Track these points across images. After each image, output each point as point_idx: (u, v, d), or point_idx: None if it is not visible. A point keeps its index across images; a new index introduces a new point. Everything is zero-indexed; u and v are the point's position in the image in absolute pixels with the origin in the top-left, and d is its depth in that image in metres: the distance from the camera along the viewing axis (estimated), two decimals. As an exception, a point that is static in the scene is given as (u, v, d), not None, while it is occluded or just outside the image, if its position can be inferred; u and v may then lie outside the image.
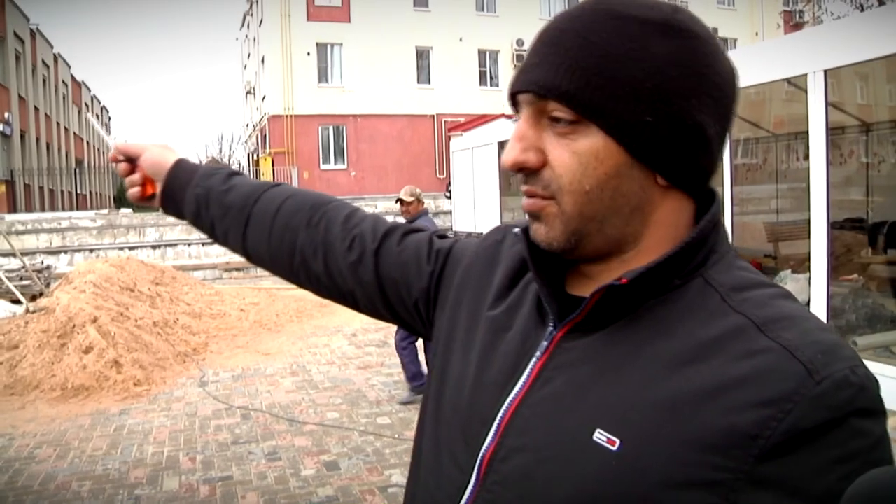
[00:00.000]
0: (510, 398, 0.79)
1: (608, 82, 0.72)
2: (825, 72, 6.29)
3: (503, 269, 0.92)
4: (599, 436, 0.71)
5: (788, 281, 7.78)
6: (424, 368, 6.26)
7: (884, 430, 0.67)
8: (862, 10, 22.49)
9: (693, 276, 0.75)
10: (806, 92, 6.48)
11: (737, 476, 0.64)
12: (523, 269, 0.90)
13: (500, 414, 0.79)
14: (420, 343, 6.30)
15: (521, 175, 0.78)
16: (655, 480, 0.67)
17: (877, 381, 0.68)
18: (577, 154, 0.73)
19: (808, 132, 6.63)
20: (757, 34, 33.93)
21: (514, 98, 0.79)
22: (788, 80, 7.55)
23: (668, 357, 0.71)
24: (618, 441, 0.69)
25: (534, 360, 0.80)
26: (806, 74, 6.43)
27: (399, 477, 4.55)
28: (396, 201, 6.59)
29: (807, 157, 12.66)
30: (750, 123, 10.58)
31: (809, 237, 8.17)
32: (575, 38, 0.74)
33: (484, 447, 0.79)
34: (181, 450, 5.16)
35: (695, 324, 0.72)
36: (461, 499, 0.80)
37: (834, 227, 7.15)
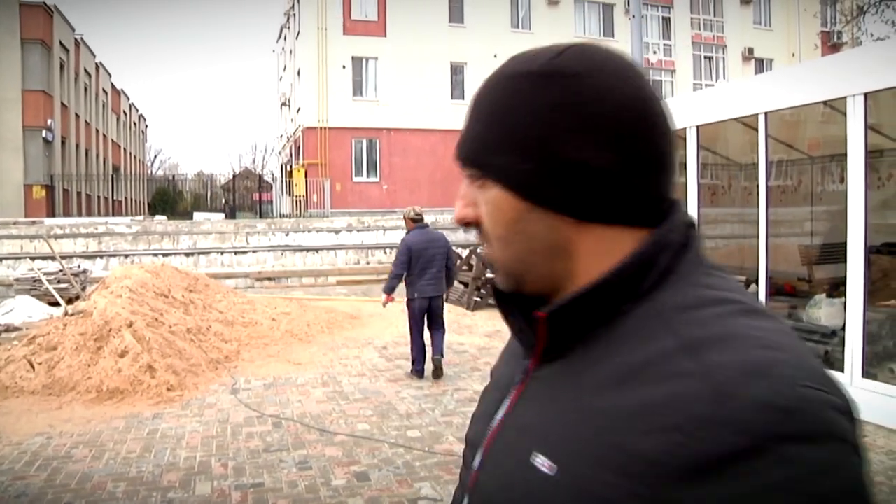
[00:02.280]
0: (492, 426, 0.85)
1: (497, 139, 0.79)
2: (865, 95, 6.23)
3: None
4: (539, 460, 0.73)
5: (823, 305, 7.68)
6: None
7: (837, 459, 0.61)
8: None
9: (643, 300, 0.75)
10: (844, 114, 6.42)
11: (647, 500, 0.63)
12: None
13: (483, 441, 0.85)
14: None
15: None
16: (586, 500, 0.68)
17: (832, 402, 0.63)
18: (488, 205, 0.81)
19: (845, 154, 6.58)
20: (794, 55, 33.62)
21: None
22: (825, 103, 7.50)
23: (601, 382, 0.72)
24: (555, 466, 0.71)
25: (513, 389, 0.85)
26: (845, 97, 6.38)
27: (428, 489, 4.57)
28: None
29: (843, 179, 12.54)
30: (785, 145, 10.49)
31: (845, 261, 8.08)
32: (476, 106, 0.83)
33: (473, 472, 0.85)
34: (213, 455, 5.23)
35: (632, 347, 0.72)
36: None
37: (871, 251, 7.05)
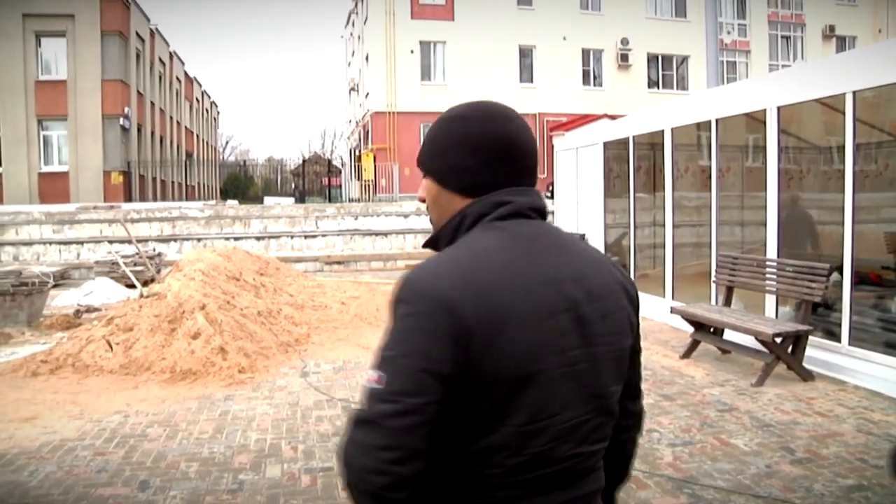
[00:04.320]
0: None
1: (430, 152, 1.44)
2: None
3: None
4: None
5: (912, 296, 7.27)
6: None
7: (399, 314, 1.25)
8: None
9: (455, 240, 1.37)
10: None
11: None
12: None
13: None
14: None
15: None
16: None
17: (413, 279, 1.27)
18: (427, 189, 1.46)
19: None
20: (880, 31, 32.10)
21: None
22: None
23: None
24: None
25: None
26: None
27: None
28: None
29: (934, 163, 11.91)
30: (869, 126, 9.97)
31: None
32: (427, 134, 1.47)
33: None
34: (283, 438, 5.23)
35: None
36: None
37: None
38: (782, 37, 33.38)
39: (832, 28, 32.94)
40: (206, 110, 53.62)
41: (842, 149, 10.26)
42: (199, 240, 17.46)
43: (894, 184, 11.98)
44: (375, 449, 1.16)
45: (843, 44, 32.75)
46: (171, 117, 38.80)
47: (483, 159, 1.35)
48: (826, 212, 11.42)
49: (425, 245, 1.45)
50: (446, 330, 1.18)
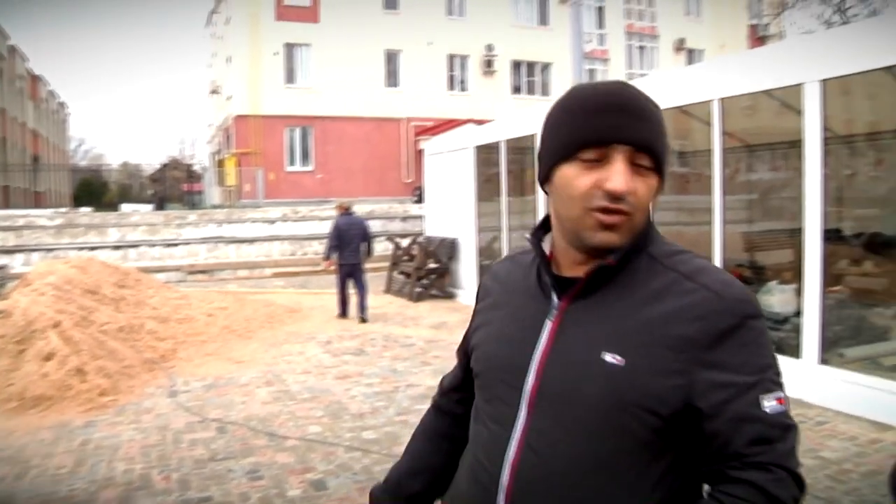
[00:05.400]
0: (538, 349, 1.21)
1: (665, 145, 1.20)
2: (822, 82, 6.17)
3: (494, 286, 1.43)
4: (610, 358, 1.12)
5: (775, 292, 7.65)
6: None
7: (764, 325, 1.14)
8: (828, 26, 22.82)
9: (641, 253, 1.20)
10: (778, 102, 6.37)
11: (692, 362, 1.09)
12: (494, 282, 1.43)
13: (533, 361, 1.21)
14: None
15: (610, 196, 1.14)
16: (648, 374, 1.10)
17: (755, 296, 1.16)
18: (650, 189, 1.19)
19: (789, 143, 6.52)
20: (723, 46, 34.20)
21: (590, 142, 1.16)
22: (767, 92, 7.46)
23: (635, 303, 1.16)
24: (622, 358, 1.12)
25: (548, 322, 1.22)
26: (802, 84, 6.31)
27: (391, 498, 4.26)
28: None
29: (775, 168, 12.70)
30: (727, 135, 10.48)
31: (790, 248, 8.05)
32: (660, 122, 1.20)
33: (527, 385, 1.20)
34: (154, 467, 4.81)
35: (650, 281, 1.17)
36: (514, 424, 1.20)
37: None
38: (638, 47, 34.93)
39: (682, 41, 34.79)
40: (54, 111, 50.33)
41: (698, 153, 10.79)
42: (49, 250, 16.18)
43: (744, 187, 12.73)
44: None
45: (691, 56, 34.67)
46: (15, 118, 36.10)
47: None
48: (686, 213, 11.95)
49: (611, 255, 1.19)
50: None
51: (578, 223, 1.17)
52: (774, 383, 1.11)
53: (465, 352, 1.46)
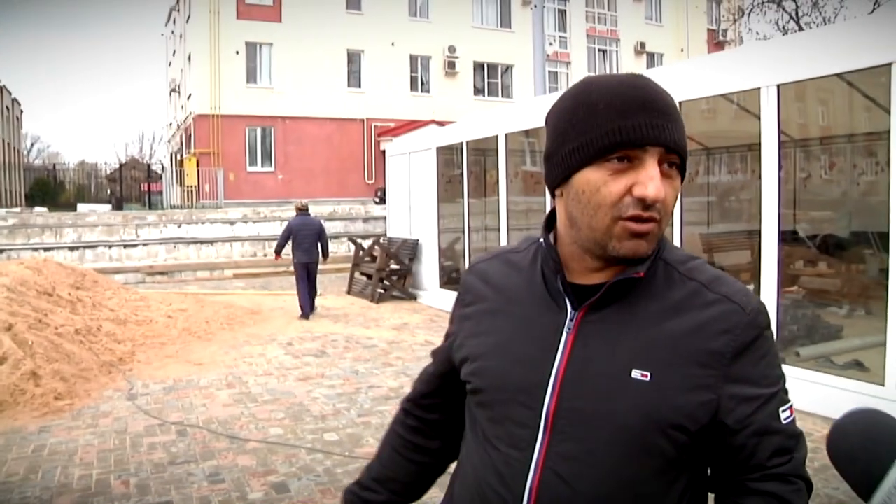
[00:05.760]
0: (556, 365, 1.12)
1: (686, 139, 1.11)
2: (778, 86, 6.30)
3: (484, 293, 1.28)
4: (636, 374, 1.07)
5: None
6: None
7: (772, 334, 1.13)
8: (784, 32, 23.30)
9: (657, 261, 1.14)
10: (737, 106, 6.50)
11: (718, 377, 1.07)
12: (481, 289, 1.28)
13: (552, 378, 1.11)
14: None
15: (642, 203, 1.05)
16: (677, 390, 1.06)
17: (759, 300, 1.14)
18: (676, 190, 1.10)
19: (748, 146, 6.64)
20: (682, 50, 34.71)
21: (622, 145, 1.05)
22: (725, 96, 7.60)
23: (659, 314, 1.10)
24: (648, 374, 1.07)
25: (564, 335, 1.13)
26: (759, 88, 6.44)
27: (354, 500, 4.25)
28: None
29: (734, 171, 12.93)
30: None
31: (748, 249, 8.17)
32: (677, 113, 1.09)
33: (546, 405, 1.11)
34: (112, 472, 4.73)
35: (668, 291, 1.12)
36: (534, 446, 1.11)
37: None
38: (599, 50, 35.26)
39: (643, 45, 35.22)
40: (7, 108, 49.15)
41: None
42: (1, 251, 15.84)
43: (703, 189, 12.93)
44: None
45: (652, 59, 35.13)
46: (-36, 116, 35.22)
47: None
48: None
49: (636, 264, 1.10)
50: None
51: (605, 232, 1.07)
52: (786, 393, 1.12)
53: (447, 359, 1.34)
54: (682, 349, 1.07)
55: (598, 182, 1.06)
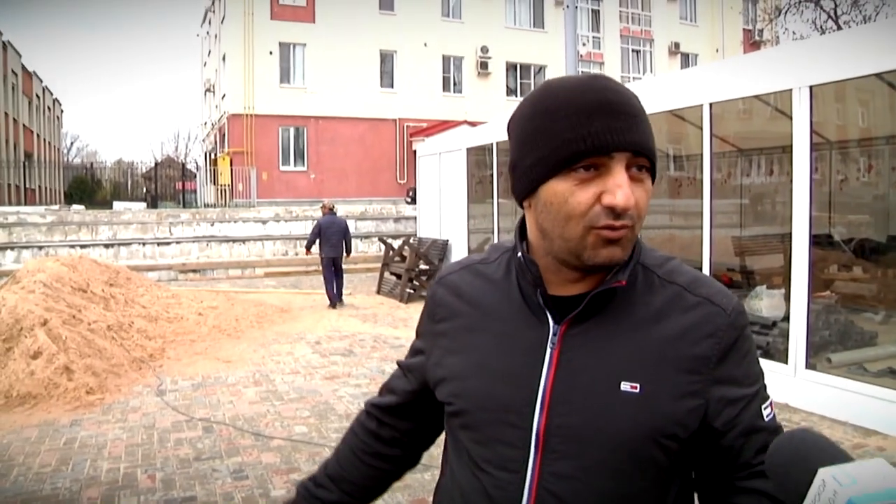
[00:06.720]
0: (543, 382, 1.08)
1: (654, 140, 1.06)
2: (810, 88, 6.20)
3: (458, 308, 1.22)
4: (625, 386, 1.05)
5: (764, 297, 7.67)
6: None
7: (751, 331, 1.13)
8: (822, 32, 22.92)
9: (635, 266, 1.11)
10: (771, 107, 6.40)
11: (705, 382, 1.06)
12: (453, 304, 1.22)
13: (539, 395, 1.08)
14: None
15: (613, 212, 1.00)
16: (667, 400, 1.05)
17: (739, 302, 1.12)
18: (649, 194, 1.06)
19: (781, 148, 6.53)
20: (718, 51, 34.30)
21: (586, 154, 1.00)
22: (758, 97, 7.49)
23: (642, 322, 1.08)
24: (638, 385, 1.05)
25: (549, 350, 1.09)
26: (791, 89, 6.34)
27: (376, 499, 4.26)
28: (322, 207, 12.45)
29: (771, 172, 12.73)
30: (719, 139, 10.53)
31: (780, 252, 8.04)
32: (642, 113, 1.05)
33: (536, 423, 1.07)
34: (139, 466, 4.81)
35: (649, 296, 1.10)
36: (526, 467, 1.08)
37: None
38: (633, 51, 34.99)
39: (677, 45, 34.87)
40: (49, 108, 50.11)
41: (691, 157, 10.81)
42: (40, 248, 16.14)
43: (736, 191, 12.75)
44: None
45: (687, 60, 34.76)
46: (7, 114, 35.95)
47: None
48: (678, 217, 11.97)
49: (617, 273, 1.07)
50: None
51: (578, 242, 1.03)
52: (766, 389, 1.12)
53: (417, 378, 1.31)
54: (668, 357, 1.05)
55: (565, 193, 1.02)
